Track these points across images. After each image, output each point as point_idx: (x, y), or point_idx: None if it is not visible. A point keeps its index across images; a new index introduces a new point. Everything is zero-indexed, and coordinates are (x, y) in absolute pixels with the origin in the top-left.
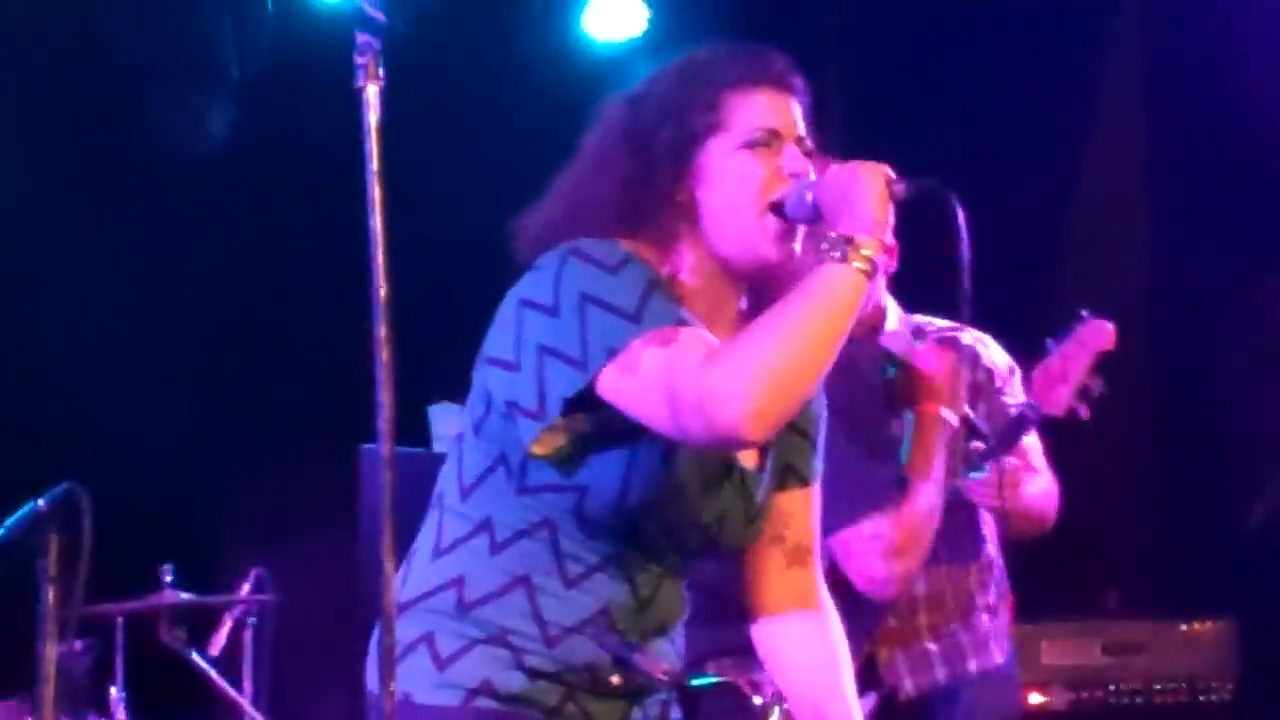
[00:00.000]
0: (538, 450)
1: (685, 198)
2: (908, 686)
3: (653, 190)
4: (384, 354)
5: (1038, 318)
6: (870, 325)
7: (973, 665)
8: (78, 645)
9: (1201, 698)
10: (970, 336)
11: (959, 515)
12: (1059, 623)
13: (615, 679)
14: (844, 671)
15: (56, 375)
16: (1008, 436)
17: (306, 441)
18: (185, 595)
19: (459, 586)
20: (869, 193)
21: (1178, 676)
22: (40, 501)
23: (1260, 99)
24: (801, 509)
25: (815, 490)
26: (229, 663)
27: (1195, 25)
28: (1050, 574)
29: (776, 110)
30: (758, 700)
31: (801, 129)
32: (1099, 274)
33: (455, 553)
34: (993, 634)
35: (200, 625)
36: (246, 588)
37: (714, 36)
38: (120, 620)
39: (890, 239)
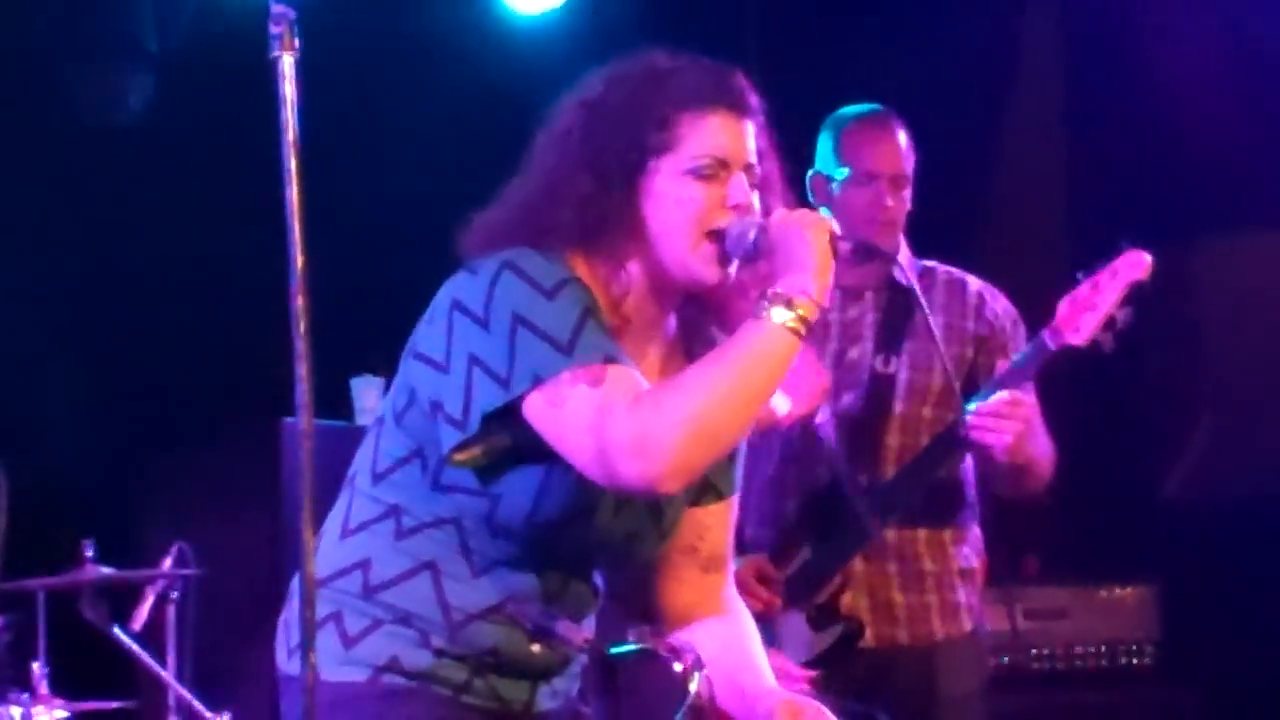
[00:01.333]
0: (458, 458)
1: (634, 215)
2: (867, 636)
3: (605, 207)
4: (301, 326)
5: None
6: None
7: (939, 632)
8: None
9: (1123, 661)
10: (977, 283)
11: (942, 478)
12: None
13: (535, 648)
14: (763, 671)
15: None
16: (1024, 367)
17: (227, 415)
18: (107, 570)
19: (364, 569)
20: (814, 251)
21: (1098, 641)
22: None
23: (1180, 58)
24: (718, 522)
25: (733, 501)
26: (152, 638)
27: None
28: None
29: (728, 135)
30: (678, 667)
31: (752, 155)
32: (1019, 240)
33: (361, 535)
34: (964, 603)
35: (122, 600)
36: (168, 562)
37: (631, 3)
38: (41, 595)
39: (825, 301)
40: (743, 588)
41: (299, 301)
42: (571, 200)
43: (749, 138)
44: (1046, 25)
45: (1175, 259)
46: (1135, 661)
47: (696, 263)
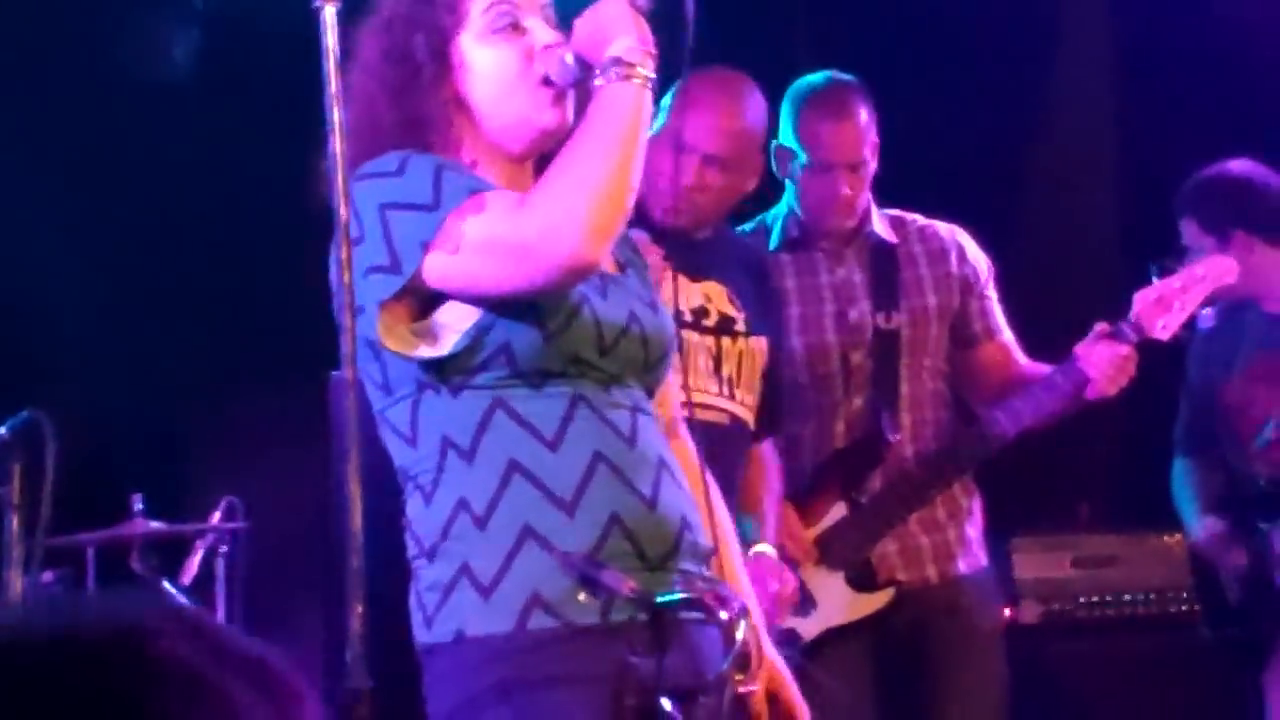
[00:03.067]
0: (391, 345)
1: (452, 96)
2: (901, 577)
3: (421, 97)
4: (347, 277)
5: (1006, 238)
6: None
7: (962, 566)
8: (48, 576)
9: (1172, 609)
10: (946, 229)
11: (943, 415)
12: (1029, 536)
13: (581, 597)
14: (716, 520)
15: (19, 304)
16: (1122, 339)
17: (275, 368)
18: (156, 524)
19: (464, 507)
20: (616, 17)
21: (1148, 588)
22: (2, 429)
23: (1230, 18)
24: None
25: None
26: (201, 591)
27: None
28: (1021, 488)
29: None
30: (724, 615)
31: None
32: (1068, 195)
33: (441, 488)
34: (975, 538)
35: (172, 554)
36: (217, 516)
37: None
38: (91, 551)
39: (651, 48)
40: (789, 537)
41: (344, 252)
42: (389, 104)
43: None
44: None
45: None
46: (1185, 608)
47: (536, 113)
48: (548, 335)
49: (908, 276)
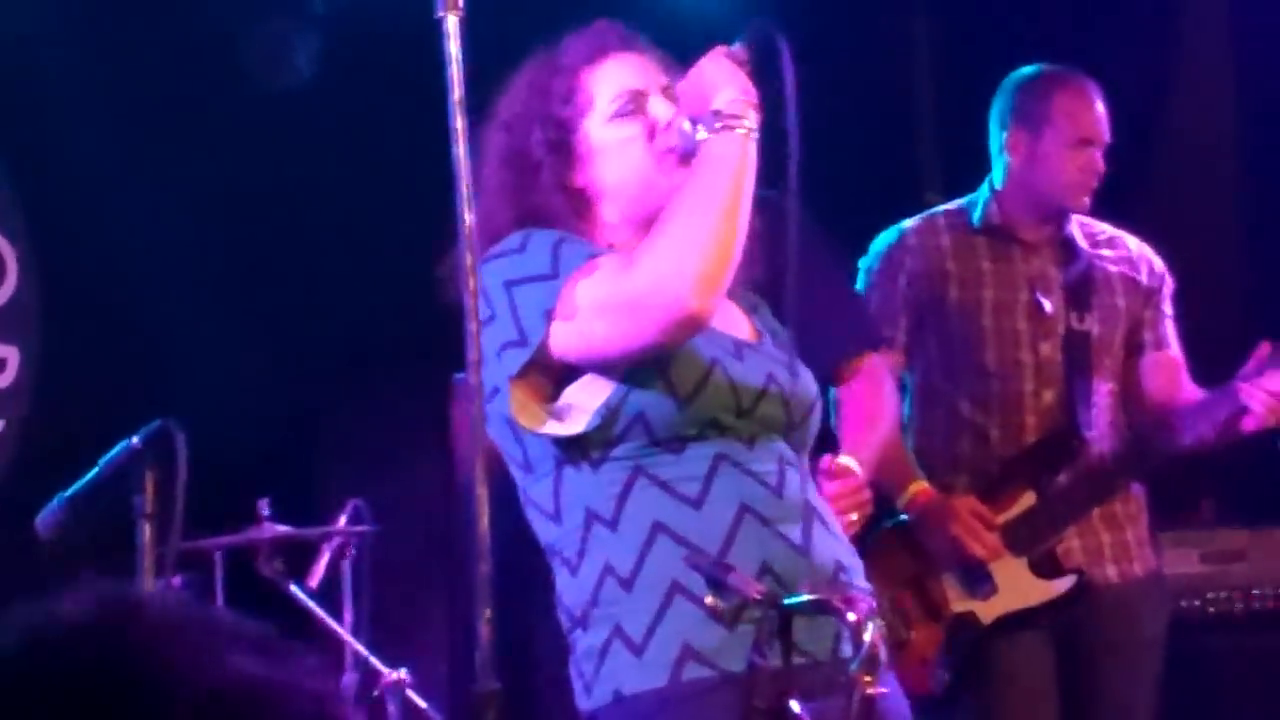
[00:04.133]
0: (524, 423)
1: (574, 187)
2: (1067, 565)
3: (542, 189)
4: (471, 282)
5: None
6: None
7: (1138, 568)
8: (176, 581)
9: None
10: (1134, 241)
11: (1119, 418)
12: (1156, 532)
13: (709, 600)
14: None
15: (148, 312)
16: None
17: (400, 372)
18: (283, 528)
19: (610, 572)
20: (716, 71)
21: (1278, 583)
22: (134, 439)
23: None
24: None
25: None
26: (328, 595)
27: None
28: (1146, 485)
29: (629, 71)
30: (852, 617)
31: (662, 79)
32: (1189, 195)
33: (586, 557)
34: (1148, 539)
35: (298, 558)
36: (344, 519)
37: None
38: (219, 555)
39: (752, 99)
40: (970, 535)
41: (468, 258)
42: (509, 200)
43: (649, 64)
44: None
45: None
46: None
47: (663, 178)
48: (681, 402)
49: (1098, 277)
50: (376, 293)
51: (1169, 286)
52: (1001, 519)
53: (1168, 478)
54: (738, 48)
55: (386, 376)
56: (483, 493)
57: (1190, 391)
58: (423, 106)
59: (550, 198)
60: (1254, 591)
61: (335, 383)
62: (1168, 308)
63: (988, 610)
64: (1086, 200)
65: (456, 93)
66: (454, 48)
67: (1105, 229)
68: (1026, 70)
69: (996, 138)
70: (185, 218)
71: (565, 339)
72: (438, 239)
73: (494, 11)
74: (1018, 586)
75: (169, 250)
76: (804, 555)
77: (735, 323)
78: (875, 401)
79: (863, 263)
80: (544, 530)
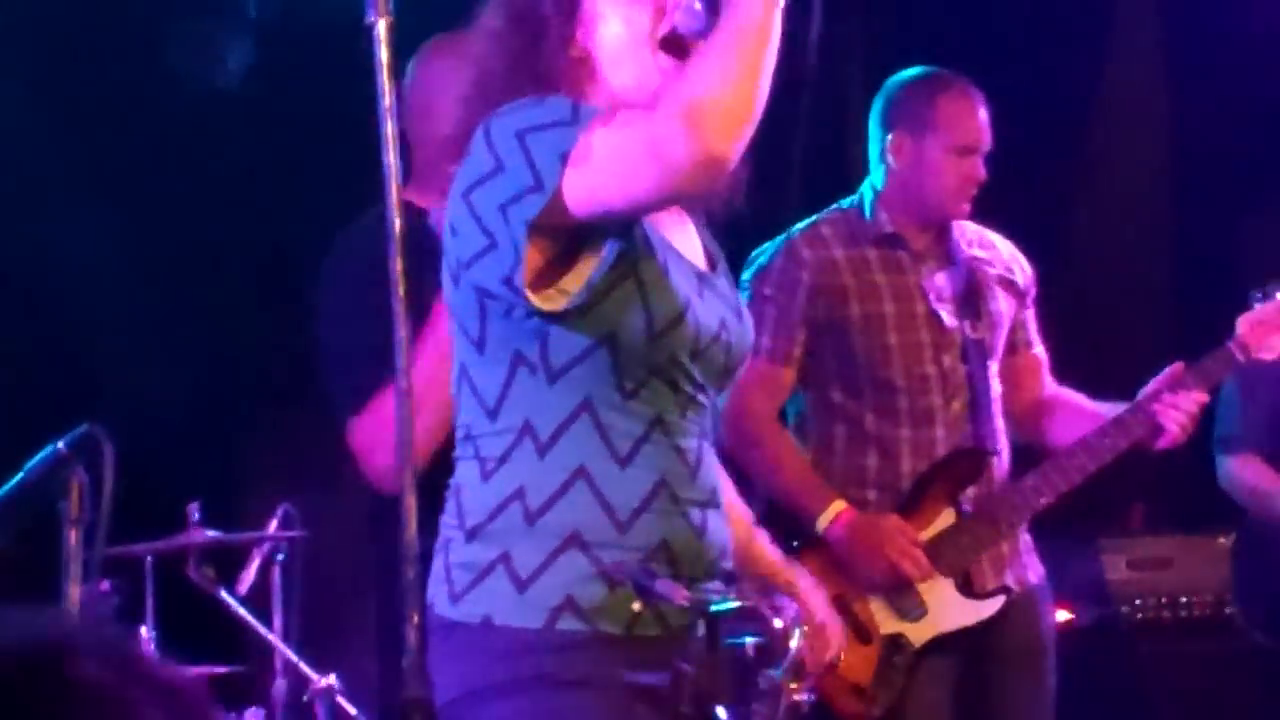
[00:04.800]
0: (543, 307)
1: (579, 52)
2: (990, 585)
3: (548, 52)
4: (400, 288)
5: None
6: None
7: (1032, 576)
8: (105, 586)
9: (1229, 610)
10: (1001, 239)
11: (1007, 421)
12: (1085, 539)
13: (636, 605)
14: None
15: (75, 315)
16: (1208, 373)
17: None
18: (212, 533)
19: (520, 498)
20: None
21: (1204, 590)
22: (60, 444)
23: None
24: None
25: None
26: (258, 600)
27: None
28: (1075, 490)
29: None
30: (779, 624)
31: None
32: (1119, 207)
33: (503, 469)
34: (1031, 544)
35: (228, 563)
36: (274, 525)
37: None
38: (148, 560)
39: None
40: (901, 554)
41: (397, 264)
42: (515, 60)
43: None
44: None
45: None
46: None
47: (657, 78)
48: (651, 334)
49: (983, 284)
50: (304, 295)
51: (1034, 283)
52: (923, 536)
53: (1097, 485)
54: None
55: (316, 380)
56: (410, 499)
57: (1051, 388)
58: (353, 111)
59: (556, 59)
60: (1182, 599)
61: (264, 386)
62: (1033, 306)
63: (918, 632)
64: (966, 207)
65: (387, 99)
66: (384, 53)
67: (976, 230)
68: (910, 72)
69: (878, 141)
70: (113, 221)
71: (580, 185)
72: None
73: (423, 17)
74: (948, 608)
75: (95, 254)
76: (699, 538)
77: (693, 247)
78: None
79: (747, 275)
80: (472, 417)
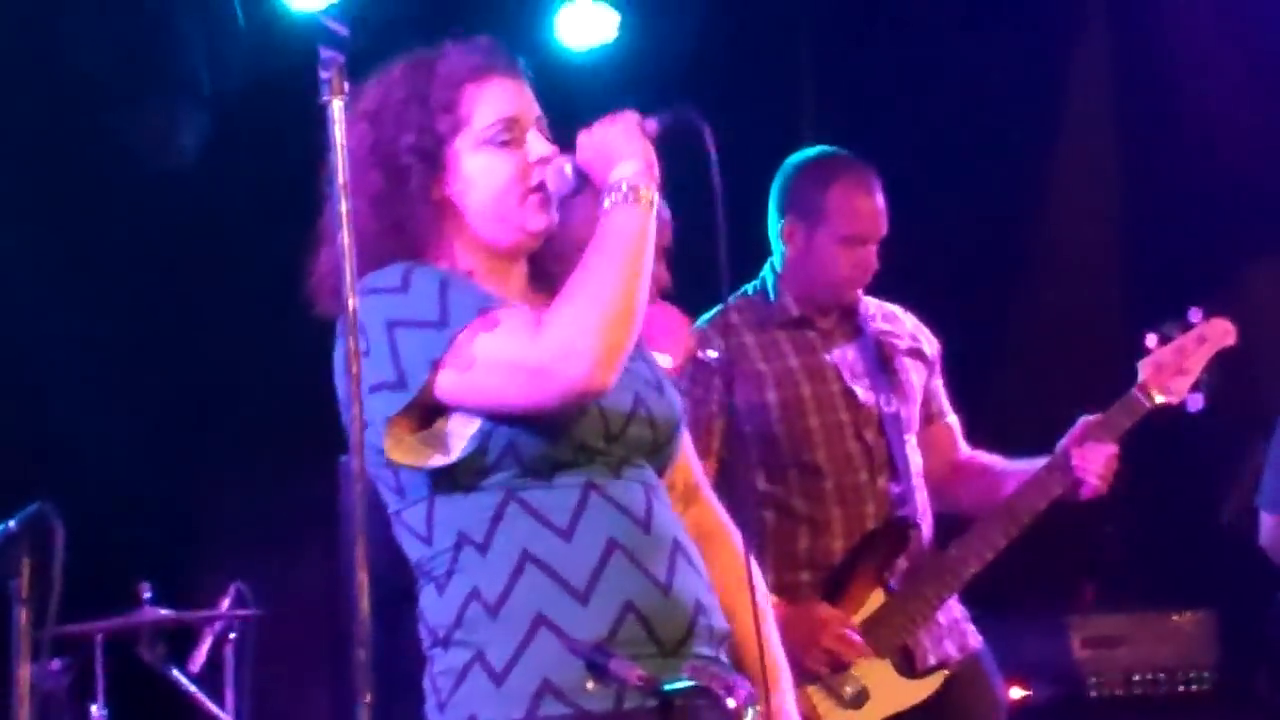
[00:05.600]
0: (397, 457)
1: (440, 197)
2: (930, 660)
3: (408, 200)
4: (355, 367)
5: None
6: None
7: (974, 642)
8: (55, 664)
9: (1182, 688)
10: (903, 311)
11: (926, 492)
12: (1036, 617)
13: (590, 685)
14: (755, 587)
15: (27, 392)
16: (1116, 421)
17: (284, 455)
18: (164, 612)
19: (477, 597)
20: (625, 138)
21: (1158, 668)
22: (10, 523)
23: (1226, 93)
24: (681, 454)
25: (685, 431)
26: (210, 679)
27: (1161, 20)
28: (1026, 568)
29: (510, 96)
30: (731, 703)
31: (537, 109)
32: (1072, 271)
33: (454, 579)
34: (965, 612)
35: (180, 642)
36: (226, 603)
37: (685, 39)
38: (100, 638)
39: (656, 174)
40: (840, 642)
41: (352, 342)
42: (375, 207)
43: (530, 95)
44: (1095, 65)
45: (1230, 285)
46: (1195, 688)
47: (527, 218)
48: (552, 431)
49: (890, 356)
50: (262, 374)
51: (940, 353)
52: (855, 621)
53: (1045, 562)
54: (652, 122)
55: (271, 459)
56: (363, 576)
57: (966, 454)
58: (311, 190)
59: (417, 208)
60: (1134, 676)
61: (219, 465)
62: (941, 376)
63: (864, 718)
64: (858, 294)
65: (341, 177)
66: (339, 132)
67: (878, 304)
68: (805, 154)
69: (774, 224)
70: (67, 297)
71: (455, 388)
72: (322, 321)
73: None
74: (888, 690)
75: (50, 329)
76: (666, 594)
77: None
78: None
79: None
80: (414, 549)
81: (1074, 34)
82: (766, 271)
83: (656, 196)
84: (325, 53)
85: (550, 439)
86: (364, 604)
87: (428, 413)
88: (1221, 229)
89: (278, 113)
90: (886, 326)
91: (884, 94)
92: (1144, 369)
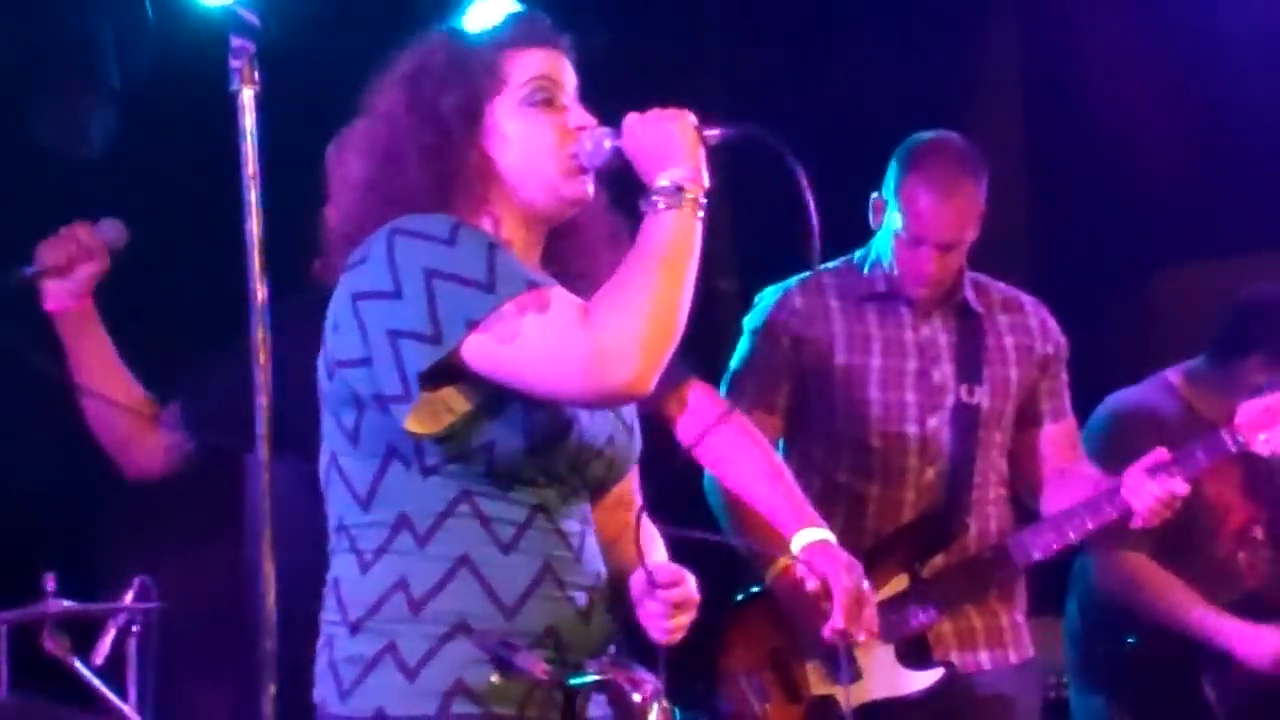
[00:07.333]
0: (414, 427)
1: (481, 158)
2: (955, 661)
3: (452, 155)
4: (260, 357)
5: None
6: None
7: (1013, 656)
8: None
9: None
10: (1031, 302)
11: (1003, 493)
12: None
13: (495, 678)
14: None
15: None
16: (1193, 460)
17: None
18: (68, 604)
19: (403, 589)
20: (682, 140)
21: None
22: None
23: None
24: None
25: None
26: (114, 671)
27: (1072, 27)
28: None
29: (552, 65)
30: (637, 698)
31: (575, 80)
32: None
33: (383, 559)
34: (1023, 623)
35: (84, 633)
36: (130, 595)
37: (591, 31)
38: (2, 630)
39: (705, 181)
40: (846, 614)
41: (258, 333)
42: (416, 160)
43: (569, 68)
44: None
45: (1134, 290)
46: (1051, 695)
47: (564, 184)
48: (529, 448)
49: (991, 346)
50: (166, 366)
51: (1064, 350)
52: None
53: None
54: (715, 131)
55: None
56: (269, 569)
57: (1082, 465)
58: (217, 180)
59: (458, 163)
60: (1064, 679)
61: None
62: (1064, 373)
63: (852, 697)
64: (924, 291)
65: (250, 167)
66: (249, 122)
67: (1002, 289)
68: (921, 134)
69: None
70: None
71: (487, 356)
72: (231, 313)
73: (294, 85)
74: (882, 675)
75: None
76: (586, 624)
77: None
78: (739, 464)
79: (747, 322)
80: (344, 506)
81: (984, 36)
82: (872, 243)
83: (703, 201)
84: (236, 41)
85: (528, 452)
86: (269, 598)
87: (441, 374)
88: (1130, 234)
89: (186, 103)
90: (1004, 316)
91: (790, 91)
92: (1242, 411)
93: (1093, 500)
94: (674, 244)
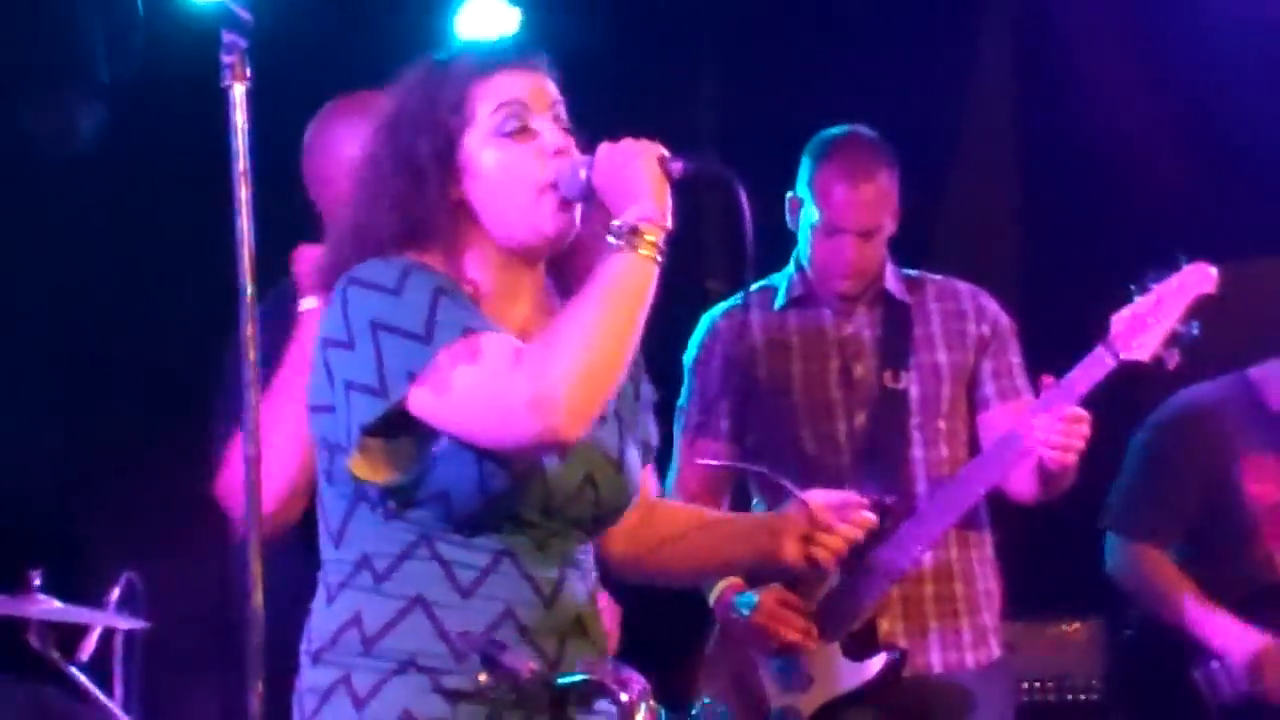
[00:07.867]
0: (362, 475)
1: (457, 199)
2: (879, 645)
3: (425, 201)
4: (251, 354)
5: None
6: None
7: (970, 660)
8: None
9: (1070, 697)
10: (966, 288)
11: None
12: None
13: (483, 677)
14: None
15: None
16: (1077, 383)
17: (177, 444)
18: (57, 604)
19: (358, 624)
20: (646, 176)
21: (1046, 677)
22: None
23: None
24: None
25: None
26: (99, 668)
27: (1063, 35)
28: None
29: (519, 85)
30: (625, 697)
31: (553, 97)
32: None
33: (344, 595)
34: (991, 626)
35: (70, 630)
36: (116, 592)
37: (585, 35)
38: None
39: (669, 222)
40: (777, 621)
41: (249, 329)
42: (387, 205)
43: (545, 84)
44: (996, 73)
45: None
46: (1084, 697)
47: (540, 217)
48: (488, 495)
49: (919, 333)
50: (156, 361)
51: (1007, 331)
52: (812, 603)
53: None
54: (679, 164)
55: (164, 447)
56: (257, 567)
57: None
58: (208, 176)
59: (435, 213)
60: (1023, 684)
61: (112, 452)
62: (1013, 355)
63: (807, 703)
64: (846, 284)
65: (241, 163)
66: (239, 117)
67: (937, 280)
68: (830, 130)
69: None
70: None
71: (426, 406)
72: (216, 309)
73: (285, 82)
74: (830, 674)
75: None
76: (553, 669)
77: None
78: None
79: (685, 357)
80: (323, 540)
81: (975, 46)
82: (794, 251)
83: (662, 245)
84: (227, 36)
85: (485, 502)
86: (257, 596)
87: (395, 423)
88: (1121, 242)
89: (177, 99)
90: (936, 304)
91: (784, 97)
92: (1116, 322)
93: (987, 457)
94: (622, 286)
